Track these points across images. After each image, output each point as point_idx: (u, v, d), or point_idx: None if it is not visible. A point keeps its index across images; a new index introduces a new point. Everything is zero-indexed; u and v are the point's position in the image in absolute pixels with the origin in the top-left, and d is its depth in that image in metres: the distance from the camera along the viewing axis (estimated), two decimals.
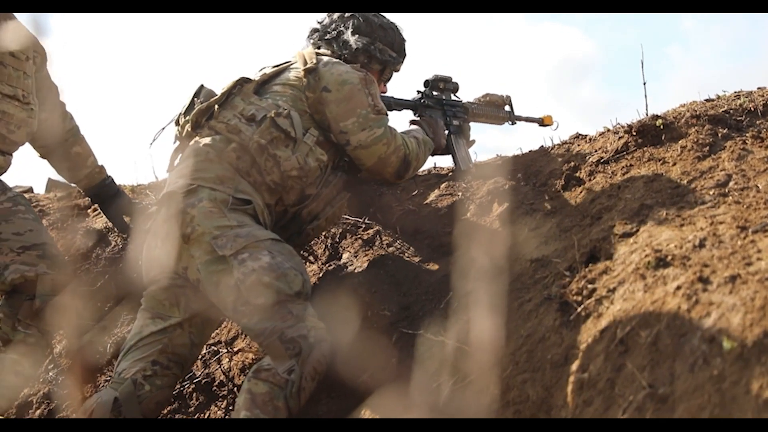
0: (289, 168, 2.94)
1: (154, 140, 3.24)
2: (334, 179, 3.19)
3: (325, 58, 3.21)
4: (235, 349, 3.38)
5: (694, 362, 1.74)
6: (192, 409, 3.26)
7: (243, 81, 3.14)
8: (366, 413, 2.68)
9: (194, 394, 3.33)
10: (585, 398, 2.01)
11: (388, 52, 3.41)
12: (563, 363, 2.18)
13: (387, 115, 3.23)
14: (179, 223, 2.80)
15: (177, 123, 3.19)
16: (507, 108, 3.98)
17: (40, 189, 6.33)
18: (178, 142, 3.17)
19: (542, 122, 4.02)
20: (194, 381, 3.33)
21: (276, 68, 3.25)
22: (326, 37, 3.37)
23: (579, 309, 2.26)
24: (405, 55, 3.51)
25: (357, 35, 3.33)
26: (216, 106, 3.06)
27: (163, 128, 3.24)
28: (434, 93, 3.70)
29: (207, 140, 2.99)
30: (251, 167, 2.92)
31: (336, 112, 3.10)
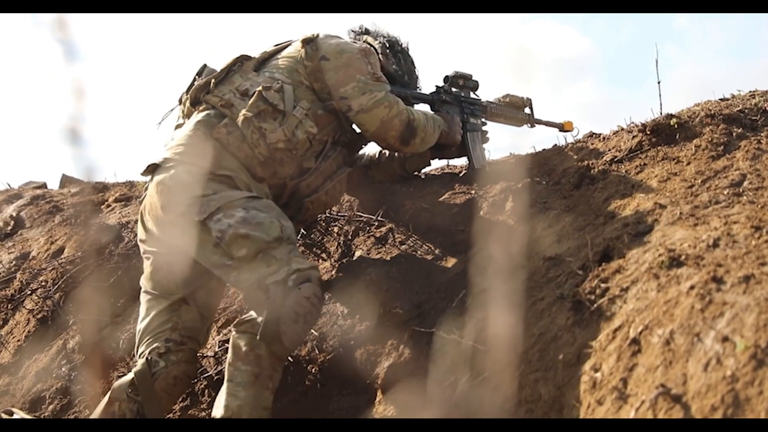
0: (275, 140, 2.95)
1: (162, 120, 3.29)
2: (333, 153, 3.22)
3: (324, 33, 3.25)
4: None
5: (707, 362, 1.74)
6: (204, 405, 3.26)
7: (243, 59, 3.18)
8: (379, 409, 2.69)
9: (206, 391, 3.34)
10: (597, 397, 2.01)
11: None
12: (576, 362, 2.18)
13: (387, 84, 3.26)
14: (158, 193, 2.86)
15: (180, 101, 3.25)
16: (527, 110, 3.96)
17: (54, 185, 6.37)
18: (180, 120, 3.22)
19: (562, 128, 4.00)
20: (206, 377, 3.34)
21: (277, 46, 3.30)
22: None
23: (592, 308, 2.25)
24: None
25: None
26: (212, 82, 3.10)
27: (172, 110, 3.29)
28: (453, 89, 3.69)
29: (201, 116, 3.03)
30: (242, 142, 2.94)
31: (335, 79, 3.13)
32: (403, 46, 3.61)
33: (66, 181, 6.28)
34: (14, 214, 5.47)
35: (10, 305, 4.41)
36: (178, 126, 3.19)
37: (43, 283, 4.34)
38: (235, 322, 2.74)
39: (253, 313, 2.70)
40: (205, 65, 3.23)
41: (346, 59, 3.15)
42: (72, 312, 4.06)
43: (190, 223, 2.79)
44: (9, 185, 6.33)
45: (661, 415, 1.75)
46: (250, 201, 2.84)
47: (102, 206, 4.97)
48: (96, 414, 2.86)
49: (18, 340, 4.13)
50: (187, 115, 3.17)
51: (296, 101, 3.07)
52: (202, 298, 3.02)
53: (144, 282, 3.05)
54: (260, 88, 3.00)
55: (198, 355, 3.10)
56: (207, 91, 3.10)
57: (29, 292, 4.37)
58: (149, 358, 2.89)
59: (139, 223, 3.04)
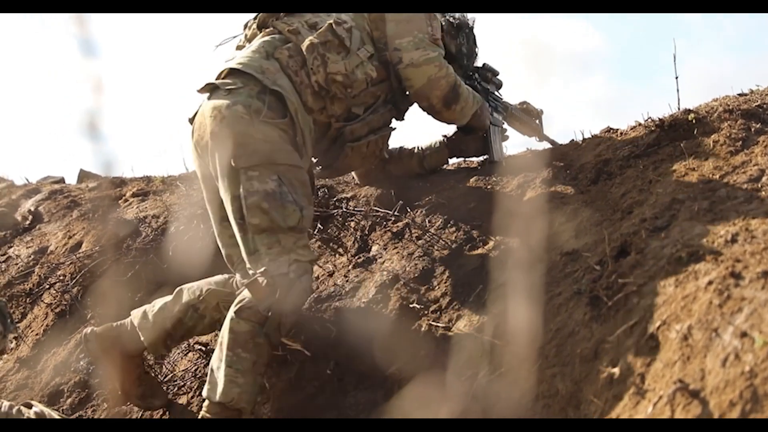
0: (335, 71, 3.02)
1: (221, 44, 3.37)
2: (383, 110, 3.27)
3: None
4: None
5: (725, 358, 1.74)
6: None
7: None
8: (397, 404, 2.69)
9: None
10: (615, 393, 2.01)
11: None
12: (593, 357, 2.18)
13: (442, 48, 3.30)
14: (212, 117, 2.89)
15: (245, 26, 3.33)
16: (537, 122, 3.95)
17: (72, 180, 6.39)
18: (241, 43, 3.32)
19: None
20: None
21: None
22: None
23: (609, 303, 2.25)
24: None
25: None
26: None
27: (234, 36, 3.38)
28: (483, 82, 3.71)
29: (267, 38, 3.11)
30: (301, 68, 3.01)
31: (394, 31, 3.20)
32: (471, 26, 3.65)
33: (84, 176, 6.29)
34: (32, 209, 5.49)
35: (28, 299, 4.44)
36: (240, 47, 3.28)
37: (62, 278, 4.37)
38: (236, 307, 2.79)
39: (251, 300, 2.76)
40: None
41: (409, 14, 3.20)
42: (90, 306, 4.08)
43: (227, 162, 2.83)
44: (27, 180, 6.36)
45: (678, 411, 1.75)
46: (290, 171, 2.88)
47: (119, 201, 4.98)
48: (173, 313, 3.08)
49: (36, 334, 4.16)
50: (250, 39, 3.25)
51: (361, 44, 3.15)
52: None
53: (210, 203, 3.11)
54: (331, 20, 3.08)
55: None
56: (276, 18, 3.17)
57: (47, 286, 4.39)
58: None
59: (194, 130, 3.05)
